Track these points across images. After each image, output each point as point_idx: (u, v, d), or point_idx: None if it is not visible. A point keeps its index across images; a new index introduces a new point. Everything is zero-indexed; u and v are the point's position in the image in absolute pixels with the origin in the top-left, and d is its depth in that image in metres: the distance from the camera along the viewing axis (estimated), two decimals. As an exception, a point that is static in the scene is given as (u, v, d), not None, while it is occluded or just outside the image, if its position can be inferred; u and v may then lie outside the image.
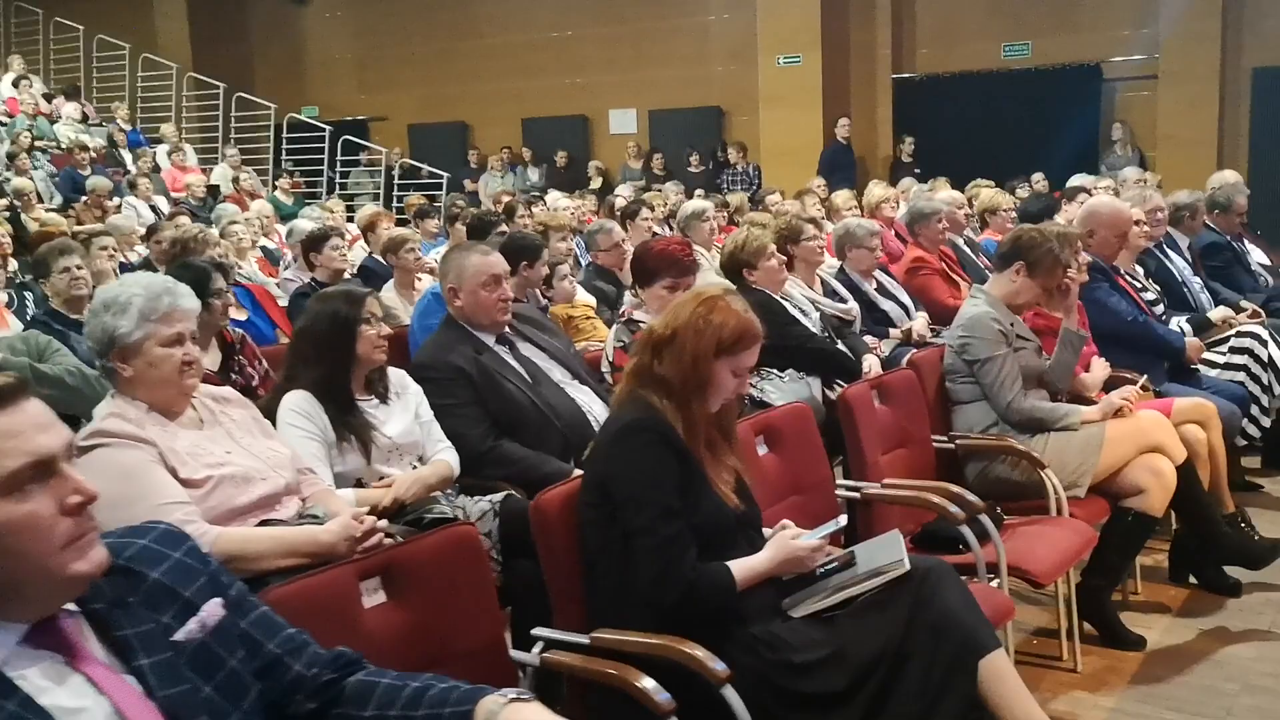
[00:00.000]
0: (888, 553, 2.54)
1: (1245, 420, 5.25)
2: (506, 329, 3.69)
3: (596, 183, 15.18)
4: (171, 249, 5.14)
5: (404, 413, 3.26)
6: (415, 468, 3.21)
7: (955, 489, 3.39)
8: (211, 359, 4.07)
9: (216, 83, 16.35)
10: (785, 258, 5.05)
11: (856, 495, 3.45)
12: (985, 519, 3.33)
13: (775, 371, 4.35)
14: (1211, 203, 7.05)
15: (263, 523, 2.55)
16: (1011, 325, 4.16)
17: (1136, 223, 5.50)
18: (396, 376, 3.33)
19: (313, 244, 5.81)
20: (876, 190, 9.34)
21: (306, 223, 7.62)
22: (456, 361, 3.48)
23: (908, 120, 14.41)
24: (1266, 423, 5.37)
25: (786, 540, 2.53)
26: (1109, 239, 5.15)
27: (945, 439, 4.02)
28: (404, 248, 6.03)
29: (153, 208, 11.24)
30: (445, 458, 3.28)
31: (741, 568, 2.47)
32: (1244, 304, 6.18)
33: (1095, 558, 3.97)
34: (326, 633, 1.77)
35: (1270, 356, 5.32)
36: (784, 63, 14.25)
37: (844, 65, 14.49)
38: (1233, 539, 4.23)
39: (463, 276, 3.60)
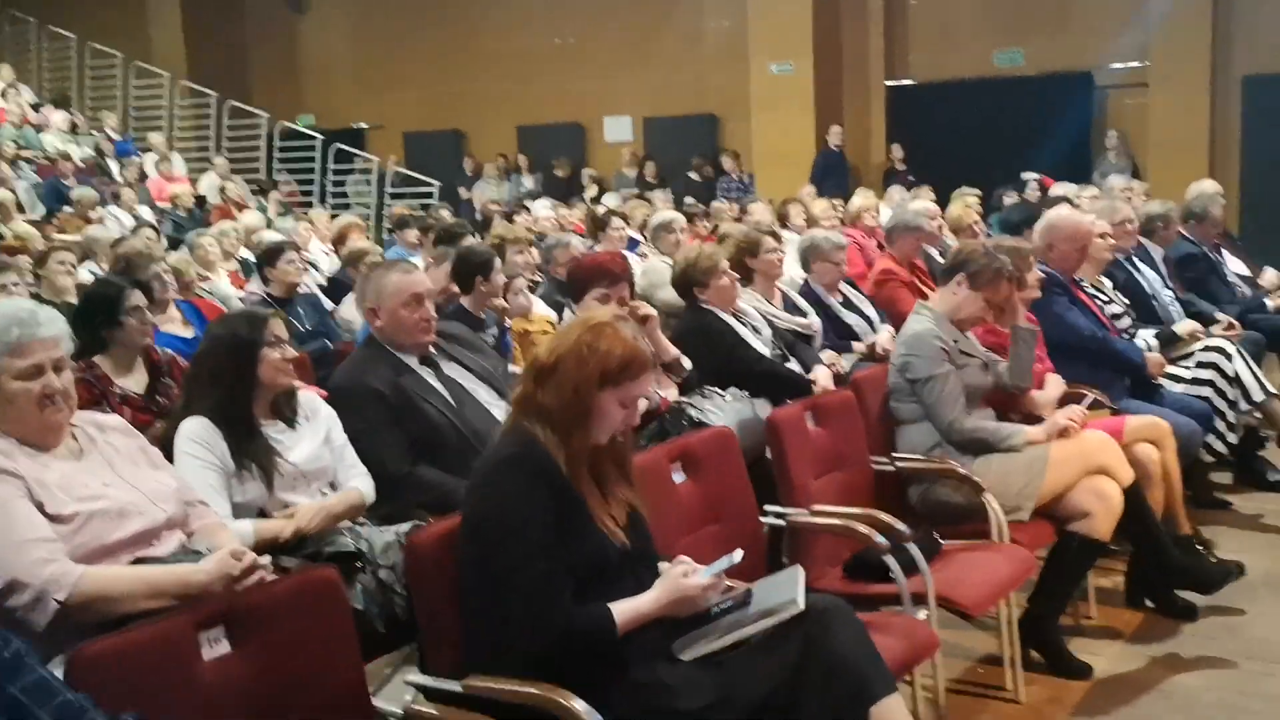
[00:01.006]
0: (784, 591, 2.44)
1: (1211, 436, 5.15)
2: (431, 349, 3.60)
3: (592, 191, 15.14)
4: (116, 264, 5.07)
5: (313, 438, 3.17)
6: (326, 496, 3.13)
7: (884, 517, 3.28)
8: (137, 381, 3.99)
9: (209, 91, 16.32)
10: (736, 276, 4.95)
11: (782, 523, 3.34)
12: (913, 547, 3.23)
13: (718, 391, 4.24)
14: (1188, 212, 6.93)
15: (136, 560, 2.46)
16: (955, 342, 4.06)
17: (1101, 235, 5.41)
18: (307, 400, 3.25)
19: (267, 257, 5.74)
20: (857, 199, 9.28)
21: (270, 235, 7.54)
22: (373, 383, 3.39)
23: (901, 127, 14.36)
24: (1233, 439, 5.26)
25: (676, 579, 2.43)
26: (1068, 252, 5.04)
27: (886, 460, 3.92)
28: (363, 260, 5.96)
29: (136, 218, 11.18)
30: (357, 485, 3.19)
31: (625, 609, 2.37)
32: (1219, 316, 6.08)
33: (1041, 583, 3.88)
34: (157, 691, 1.69)
35: (1236, 371, 5.21)
36: (776, 70, 14.21)
37: (837, 72, 14.45)
38: (1184, 563, 4.12)
39: (382, 295, 3.51)
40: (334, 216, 11.16)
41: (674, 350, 4.30)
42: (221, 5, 17.62)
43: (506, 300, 5.31)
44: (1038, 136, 13.10)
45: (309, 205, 14.98)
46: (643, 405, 2.57)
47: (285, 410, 3.16)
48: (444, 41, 16.80)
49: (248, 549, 2.52)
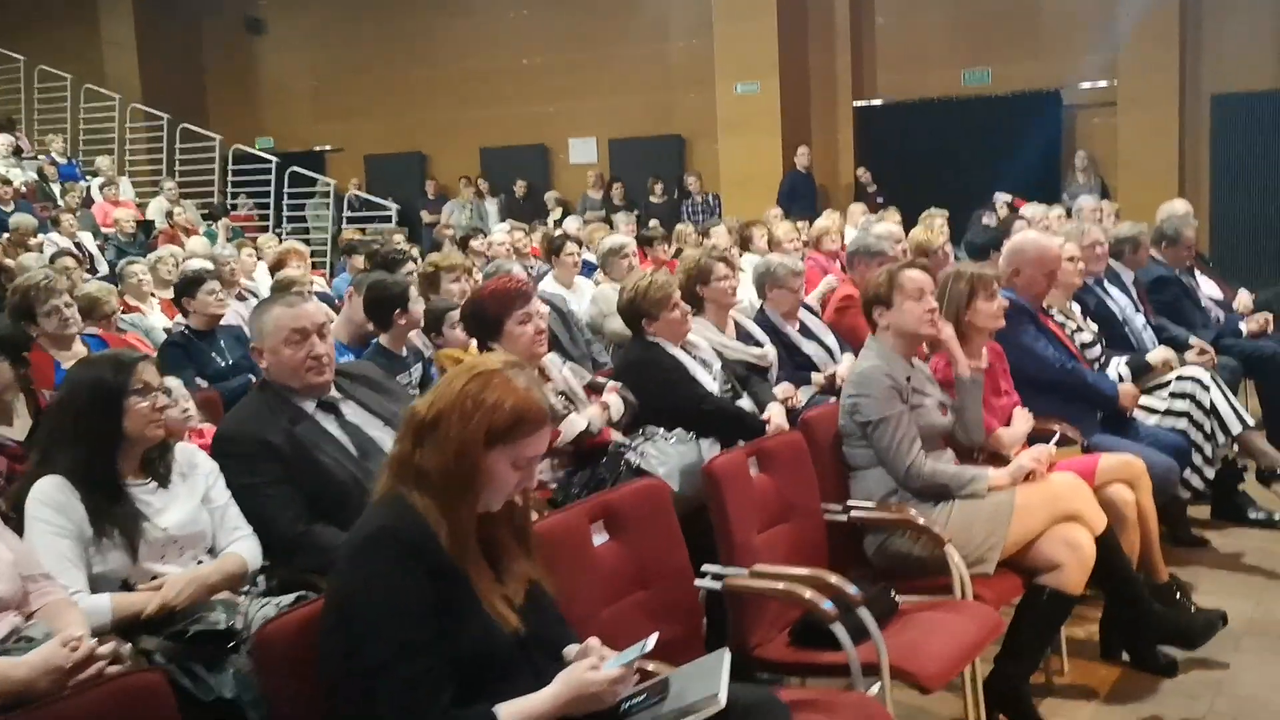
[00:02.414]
0: (706, 682, 2.11)
1: (1188, 470, 4.87)
2: (333, 391, 3.24)
3: (556, 213, 14.84)
4: (11, 298, 4.71)
5: (189, 497, 2.82)
6: (201, 563, 2.78)
7: (832, 579, 2.95)
8: (20, 428, 3.63)
9: (160, 113, 15.95)
10: (689, 309, 4.63)
11: (718, 586, 3.01)
12: (864, 612, 2.90)
13: (660, 431, 3.91)
14: (1159, 235, 6.69)
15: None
16: (908, 379, 3.74)
17: (1070, 259, 5.13)
18: (185, 454, 2.90)
19: (185, 288, 5.37)
20: (820, 221, 8.98)
21: (197, 263, 7.18)
22: (262, 434, 3.02)
23: (869, 147, 14.14)
24: (1210, 473, 4.99)
25: (578, 673, 2.07)
26: (1035, 278, 4.76)
27: (840, 509, 3.60)
28: (291, 290, 5.59)
29: (77, 244, 10.78)
30: (239, 549, 2.84)
31: (515, 710, 2.02)
32: (1193, 340, 5.82)
33: (1009, 641, 3.55)
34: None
35: (1212, 402, 4.93)
36: (742, 90, 13.96)
37: (804, 92, 14.22)
38: (1163, 615, 3.81)
39: (264, 332, 3.13)
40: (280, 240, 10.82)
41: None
42: (178, 28, 17.28)
43: (443, 333, 4.98)
44: (1007, 156, 12.91)
45: (265, 229, 14.64)
46: (544, 470, 2.22)
47: (157, 466, 2.81)
48: (405, 63, 16.55)
49: (86, 634, 2.18)
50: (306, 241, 15.01)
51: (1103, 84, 12.79)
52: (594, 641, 2.20)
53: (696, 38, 14.56)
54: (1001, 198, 11.70)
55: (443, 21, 16.27)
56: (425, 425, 2.11)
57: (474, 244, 9.72)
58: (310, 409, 3.17)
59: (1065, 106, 13.11)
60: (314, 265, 12.81)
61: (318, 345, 3.18)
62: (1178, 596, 4.06)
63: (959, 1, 13.51)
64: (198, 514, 2.82)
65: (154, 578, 2.67)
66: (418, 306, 4.49)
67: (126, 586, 2.66)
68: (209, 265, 6.68)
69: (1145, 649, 3.89)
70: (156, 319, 7.27)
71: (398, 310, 4.39)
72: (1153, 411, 4.99)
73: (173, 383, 4.09)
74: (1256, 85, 11.97)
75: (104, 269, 10.00)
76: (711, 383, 4.44)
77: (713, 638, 3.10)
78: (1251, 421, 5.09)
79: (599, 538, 2.77)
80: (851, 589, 2.91)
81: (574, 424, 3.64)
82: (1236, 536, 5.25)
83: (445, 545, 2.07)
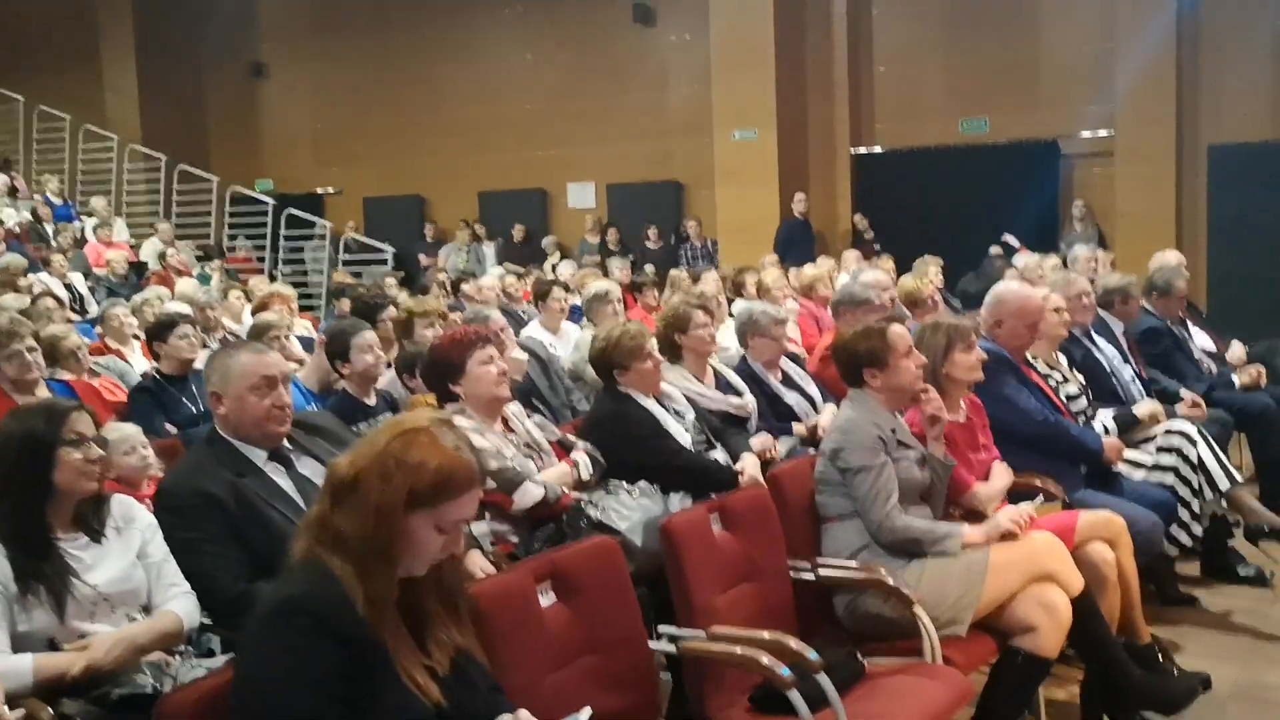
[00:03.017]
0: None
1: (1174, 527, 4.75)
2: (285, 443, 3.16)
3: (554, 257, 14.83)
4: (-25, 341, 4.63)
5: (122, 553, 2.72)
6: (134, 621, 2.67)
7: (792, 643, 2.83)
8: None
9: (158, 155, 15.99)
10: (662, 360, 4.55)
11: (674, 649, 2.89)
12: (824, 678, 2.79)
13: (624, 486, 3.80)
14: (1150, 286, 6.61)
15: None
16: (893, 432, 3.66)
17: (1055, 309, 5.05)
18: (121, 507, 2.80)
19: (157, 332, 5.29)
20: (809, 268, 8.92)
21: (176, 306, 7.11)
22: (207, 486, 2.92)
23: (866, 195, 14.11)
24: (1198, 529, 4.87)
25: (502, 748, 1.96)
26: (1017, 329, 4.67)
27: (808, 568, 3.49)
28: (267, 335, 5.53)
29: (68, 286, 10.75)
30: (175, 608, 2.73)
31: (429, 789, 1.91)
32: (1184, 393, 5.72)
33: (983, 705, 3.44)
34: None
35: (1200, 457, 4.82)
36: (739, 137, 13.97)
37: (802, 140, 14.22)
38: (1143, 680, 3.68)
39: (228, 379, 3.05)
40: (273, 281, 10.78)
41: None
42: (180, 70, 17.40)
43: (415, 375, 4.91)
44: (1005, 205, 12.88)
45: (262, 272, 14.63)
46: (484, 529, 2.12)
47: (90, 520, 2.71)
48: (407, 108, 16.63)
49: (0, 699, 2.08)
50: (304, 284, 15.09)
51: (1101, 134, 12.77)
52: (524, 714, 2.08)
53: (696, 85, 14.60)
54: (1006, 240, 11.62)
55: (445, 68, 16.36)
56: (344, 485, 2.01)
57: (465, 288, 9.66)
58: (261, 461, 3.08)
59: (1063, 156, 13.08)
60: (310, 309, 12.81)
61: (283, 395, 3.12)
62: (1160, 659, 3.94)
63: (957, 51, 13.53)
64: (131, 570, 2.72)
65: (82, 637, 2.57)
66: (365, 357, 4.42)
67: (53, 646, 2.56)
68: (184, 309, 6.59)
69: (1126, 714, 3.76)
70: (139, 361, 7.19)
71: (338, 361, 4.32)
72: (1139, 466, 4.88)
73: (130, 430, 4.03)
74: (1254, 136, 11.94)
75: (95, 310, 9.95)
76: (684, 434, 4.34)
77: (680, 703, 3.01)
78: (1240, 478, 4.98)
79: (546, 599, 2.66)
80: (811, 654, 2.80)
81: (530, 493, 3.53)
82: (1226, 595, 5.12)
83: (362, 613, 1.96)
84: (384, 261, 15.15)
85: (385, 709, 1.95)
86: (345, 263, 15.17)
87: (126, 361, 6.96)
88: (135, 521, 2.80)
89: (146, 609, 2.74)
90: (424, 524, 2.00)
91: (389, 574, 1.99)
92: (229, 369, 3.06)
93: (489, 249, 15.70)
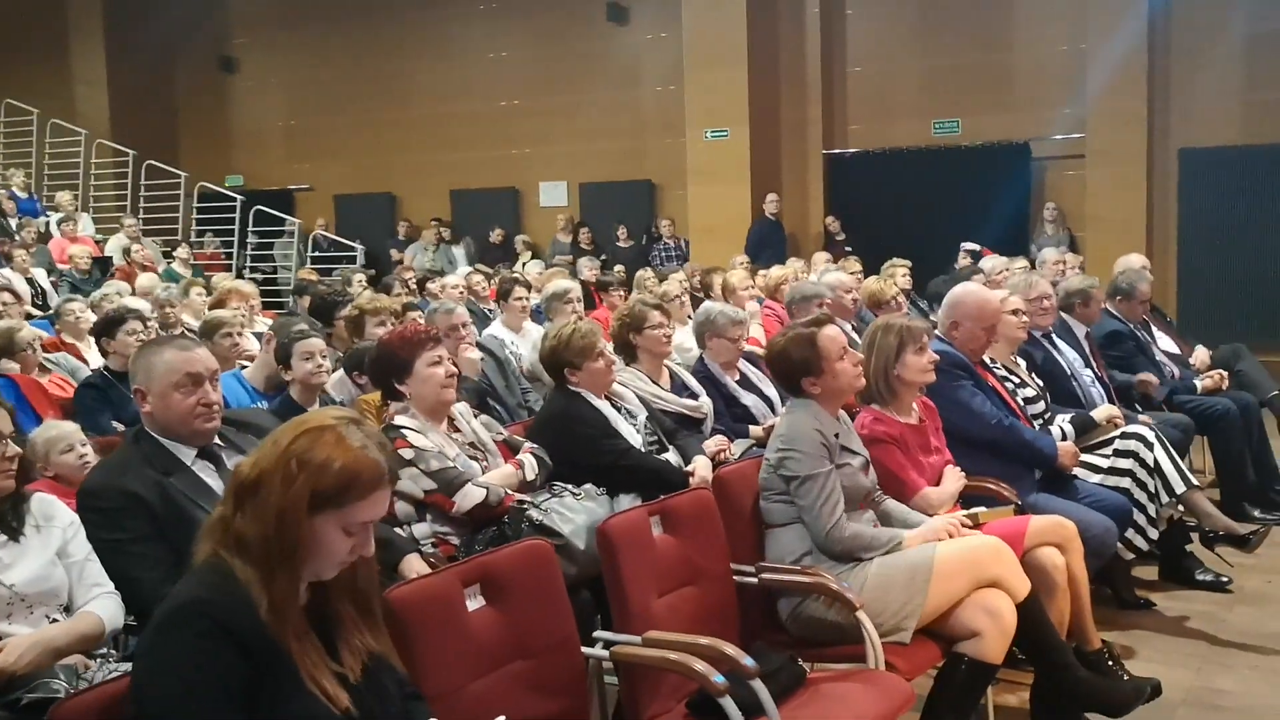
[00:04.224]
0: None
1: (1130, 531, 4.73)
2: (216, 440, 3.08)
3: (525, 256, 14.74)
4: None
5: (41, 552, 2.64)
6: (54, 622, 2.60)
7: (727, 649, 2.77)
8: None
9: (126, 150, 15.84)
10: (614, 360, 4.50)
11: (606, 655, 2.84)
12: (759, 684, 2.74)
13: (569, 488, 3.74)
14: (1114, 289, 6.60)
15: None
16: (836, 437, 3.61)
17: (1013, 311, 5.02)
18: (41, 505, 2.73)
19: (105, 328, 5.19)
20: (776, 269, 8.88)
21: (134, 301, 7.01)
22: (131, 486, 2.84)
23: (839, 196, 14.09)
24: (1154, 534, 4.85)
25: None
26: (974, 331, 4.63)
27: (751, 572, 3.44)
28: (219, 332, 5.44)
29: (30, 281, 10.61)
30: (96, 609, 2.66)
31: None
32: (1142, 376, 5.80)
33: (927, 711, 3.40)
34: None
35: (1157, 461, 4.80)
36: (711, 136, 13.93)
37: (774, 140, 14.19)
38: (1091, 684, 3.63)
39: (152, 376, 2.97)
40: (241, 278, 10.67)
41: None
42: (150, 66, 17.26)
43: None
44: (976, 207, 12.87)
45: (231, 269, 14.51)
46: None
47: (8, 519, 2.64)
48: (378, 105, 16.53)
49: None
50: (274, 281, 14.96)
51: (1073, 136, 12.78)
52: (436, 723, 2.03)
53: (669, 84, 14.56)
54: (966, 247, 11.62)
55: (417, 65, 16.26)
56: (247, 487, 1.94)
57: (430, 286, 9.58)
58: (189, 459, 3.00)
59: (1035, 159, 13.08)
60: (279, 306, 12.68)
61: (210, 393, 3.04)
62: (1110, 664, 3.91)
63: (930, 53, 13.52)
64: (50, 570, 2.65)
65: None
66: (305, 365, 4.34)
67: (-34, 649, 2.48)
68: (140, 305, 6.49)
69: (1074, 718, 3.73)
70: (95, 358, 7.09)
71: (280, 367, 4.26)
72: (1095, 470, 4.85)
73: (68, 428, 3.95)
74: (1224, 140, 11.97)
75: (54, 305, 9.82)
76: (635, 435, 4.29)
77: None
78: (1197, 482, 4.97)
79: (474, 603, 2.60)
80: (746, 660, 2.74)
81: (471, 495, 3.47)
82: (1182, 599, 5.10)
83: (265, 618, 1.89)
84: (354, 259, 15.03)
85: (290, 717, 1.88)
86: (314, 260, 15.05)
87: (83, 358, 6.87)
88: (55, 520, 2.73)
89: (67, 609, 2.67)
90: (330, 526, 1.94)
91: (292, 578, 1.93)
92: (153, 366, 2.98)
93: (459, 249, 15.60)
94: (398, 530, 3.41)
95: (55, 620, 2.63)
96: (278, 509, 1.91)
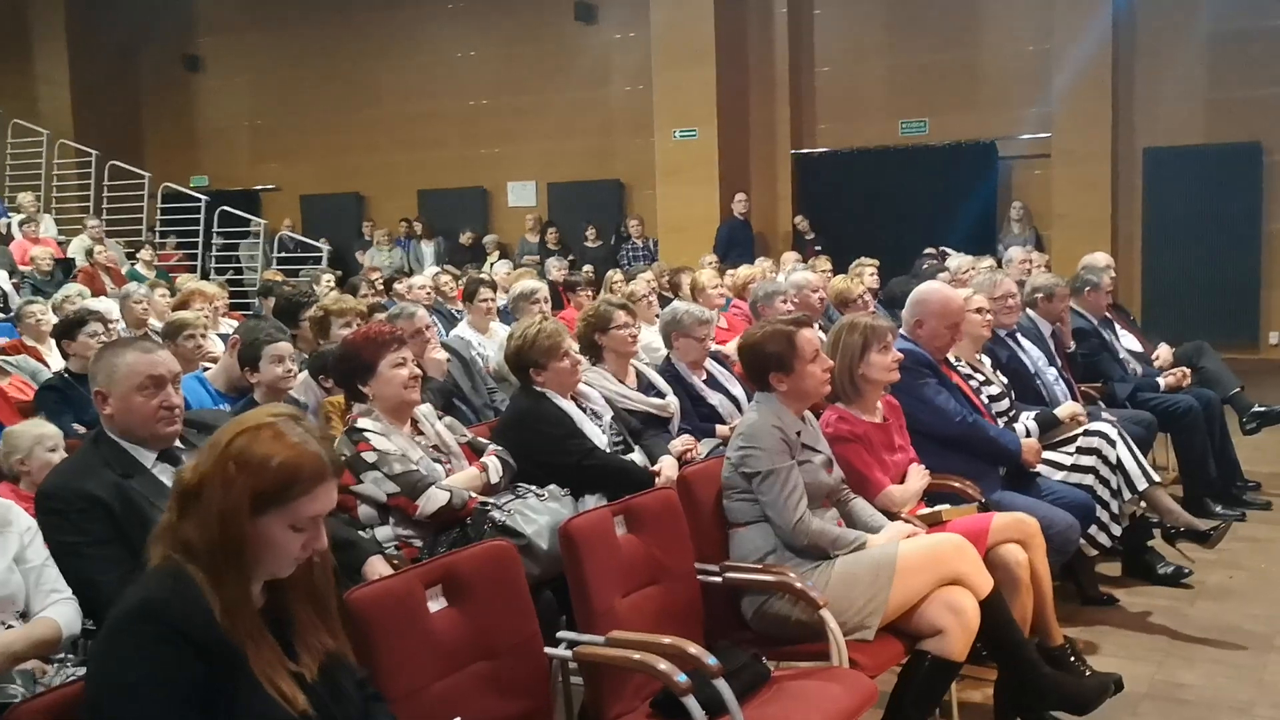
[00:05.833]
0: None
1: (1093, 528, 4.77)
2: (178, 442, 3.06)
3: (494, 256, 14.70)
4: None
5: (-3, 557, 2.62)
6: (10, 628, 2.57)
7: (690, 648, 2.78)
8: None
9: (89, 150, 15.69)
10: (580, 359, 4.49)
11: (569, 654, 2.83)
12: (722, 683, 2.74)
13: (533, 489, 3.74)
14: (1077, 284, 6.65)
15: None
16: (798, 434, 3.62)
17: (978, 310, 5.06)
18: (-1, 510, 2.71)
19: (66, 330, 5.14)
20: (744, 269, 8.90)
21: (98, 303, 6.95)
22: (91, 488, 2.82)
23: (808, 195, 14.13)
24: (1117, 530, 4.89)
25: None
26: (938, 329, 4.66)
27: (716, 571, 3.44)
28: (183, 333, 5.39)
29: (-10, 283, 10.50)
30: (53, 614, 2.64)
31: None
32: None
33: (891, 708, 3.42)
34: None
35: (1119, 458, 4.84)
36: (680, 136, 13.94)
37: (743, 140, 14.21)
38: (1054, 680, 3.66)
39: (113, 378, 2.95)
40: (206, 279, 10.58)
41: None
42: (113, 64, 17.14)
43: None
44: (944, 206, 12.96)
45: (195, 270, 14.39)
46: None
47: (-36, 525, 2.61)
48: (345, 102, 16.47)
49: None
50: (239, 283, 14.85)
51: (1038, 136, 12.88)
52: (396, 722, 2.02)
53: (638, 84, 14.57)
54: (927, 252, 11.70)
55: (385, 64, 16.20)
56: (189, 493, 1.93)
57: (397, 287, 9.54)
58: (149, 462, 2.98)
59: (1001, 158, 13.18)
60: (245, 307, 12.59)
61: (172, 395, 3.02)
62: (1072, 660, 3.94)
63: (898, 53, 13.59)
64: (7, 575, 2.63)
65: (-49, 646, 2.47)
66: (274, 368, 4.31)
67: (-80, 656, 2.46)
68: (100, 307, 6.43)
69: (1037, 714, 3.75)
70: (56, 361, 7.01)
71: (248, 369, 4.24)
72: (1058, 467, 4.89)
73: (53, 429, 3.93)
74: (1188, 139, 12.09)
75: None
76: (600, 435, 4.29)
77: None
78: (1158, 478, 5.01)
79: (435, 604, 2.59)
80: (710, 659, 2.75)
81: (434, 499, 3.46)
82: (1145, 595, 5.14)
83: (219, 620, 1.88)
84: (319, 260, 14.95)
85: (247, 718, 1.87)
86: (281, 261, 14.96)
87: (43, 361, 6.80)
88: (13, 525, 2.71)
89: (24, 615, 2.64)
90: (277, 524, 1.92)
91: (242, 580, 1.91)
92: (114, 368, 2.96)
93: (428, 248, 15.53)
94: (361, 533, 3.40)
95: (11, 626, 2.60)
96: (220, 513, 1.89)
